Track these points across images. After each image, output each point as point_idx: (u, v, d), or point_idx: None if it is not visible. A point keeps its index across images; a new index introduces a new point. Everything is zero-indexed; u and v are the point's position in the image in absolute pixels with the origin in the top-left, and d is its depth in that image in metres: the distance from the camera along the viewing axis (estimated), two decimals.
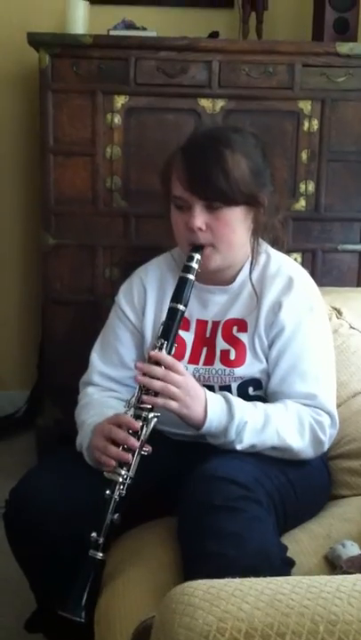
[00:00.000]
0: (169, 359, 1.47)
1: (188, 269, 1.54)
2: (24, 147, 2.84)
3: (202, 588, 0.79)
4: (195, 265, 1.53)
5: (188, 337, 1.62)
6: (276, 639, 0.73)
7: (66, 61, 2.34)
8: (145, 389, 1.46)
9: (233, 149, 1.52)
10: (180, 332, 1.62)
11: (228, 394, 1.51)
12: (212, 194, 1.51)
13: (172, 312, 1.52)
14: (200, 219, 1.52)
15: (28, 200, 2.89)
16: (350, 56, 2.37)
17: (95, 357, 1.71)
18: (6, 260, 2.98)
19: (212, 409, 1.46)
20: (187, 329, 1.63)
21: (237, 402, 1.49)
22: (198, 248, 1.54)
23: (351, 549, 1.38)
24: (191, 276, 1.53)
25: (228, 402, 1.48)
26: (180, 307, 1.52)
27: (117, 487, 1.41)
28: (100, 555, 1.40)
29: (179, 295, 1.53)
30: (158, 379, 1.44)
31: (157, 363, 1.46)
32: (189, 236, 1.54)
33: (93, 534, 1.40)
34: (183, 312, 1.52)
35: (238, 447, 1.47)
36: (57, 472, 1.52)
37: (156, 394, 1.44)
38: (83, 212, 2.43)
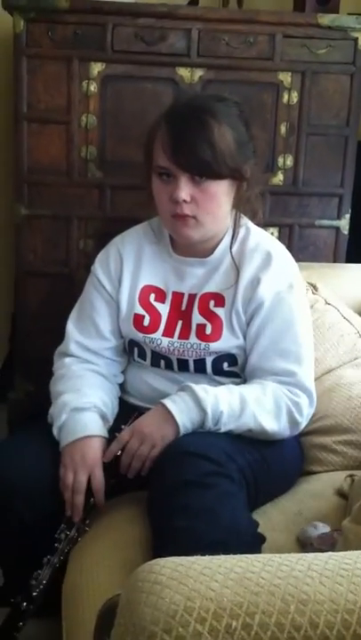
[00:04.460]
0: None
1: None
2: None
3: (170, 565, 0.77)
4: None
5: (163, 309, 1.59)
6: (246, 619, 0.72)
7: (41, 26, 2.27)
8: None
9: (218, 120, 1.48)
10: (156, 304, 1.60)
11: (194, 387, 1.46)
12: (197, 167, 1.47)
13: None
14: (185, 190, 1.48)
15: (0, 169, 2.82)
16: (331, 28, 2.33)
17: (71, 327, 1.67)
18: None
19: (179, 414, 1.42)
20: (162, 301, 1.60)
21: (206, 393, 1.45)
22: None
23: (322, 530, 1.37)
24: None
25: (194, 395, 1.44)
26: None
27: (73, 529, 1.44)
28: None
29: None
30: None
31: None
32: (173, 208, 1.50)
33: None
34: None
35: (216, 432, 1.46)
36: (26, 447, 1.50)
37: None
38: (57, 183, 2.38)
